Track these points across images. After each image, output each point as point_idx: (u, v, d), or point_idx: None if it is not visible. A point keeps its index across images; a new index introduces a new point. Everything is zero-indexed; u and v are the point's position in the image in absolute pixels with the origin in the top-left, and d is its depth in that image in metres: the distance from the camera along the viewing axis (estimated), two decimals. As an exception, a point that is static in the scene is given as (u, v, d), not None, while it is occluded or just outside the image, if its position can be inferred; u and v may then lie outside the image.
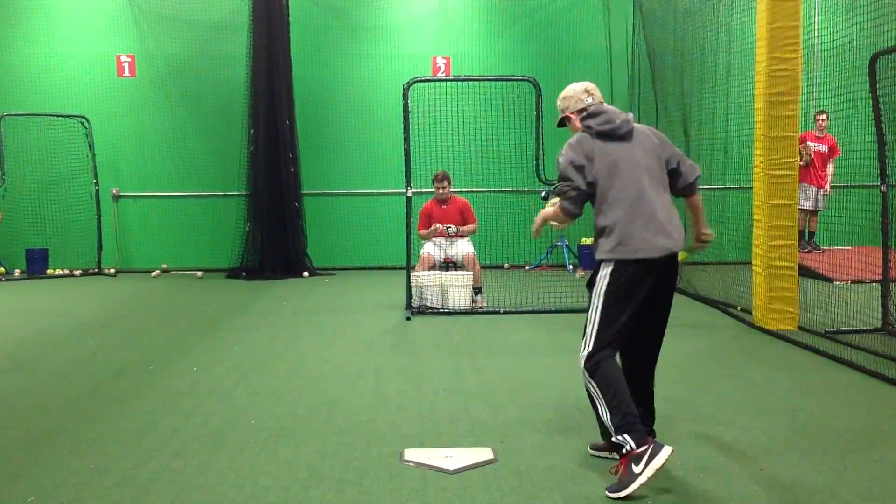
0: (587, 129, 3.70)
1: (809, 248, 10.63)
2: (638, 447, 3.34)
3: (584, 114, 3.73)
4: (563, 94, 3.86)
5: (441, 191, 8.66)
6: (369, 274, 11.69)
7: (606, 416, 3.46)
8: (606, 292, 3.55)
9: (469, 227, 8.74)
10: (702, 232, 3.98)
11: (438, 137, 10.09)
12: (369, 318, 7.96)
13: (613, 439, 3.44)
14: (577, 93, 3.80)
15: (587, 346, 3.56)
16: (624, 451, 3.37)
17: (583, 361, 3.56)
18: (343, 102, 12.23)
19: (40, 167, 12.02)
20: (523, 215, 11.36)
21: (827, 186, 10.76)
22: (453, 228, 8.60)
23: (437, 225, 8.61)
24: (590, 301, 3.63)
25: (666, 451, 3.33)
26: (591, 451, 3.87)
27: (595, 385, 3.51)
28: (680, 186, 3.79)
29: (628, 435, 3.38)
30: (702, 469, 3.68)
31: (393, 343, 6.76)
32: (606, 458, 3.77)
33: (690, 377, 5.43)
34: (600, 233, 3.61)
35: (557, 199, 3.76)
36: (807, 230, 10.86)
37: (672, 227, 3.60)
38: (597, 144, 3.62)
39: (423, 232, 8.71)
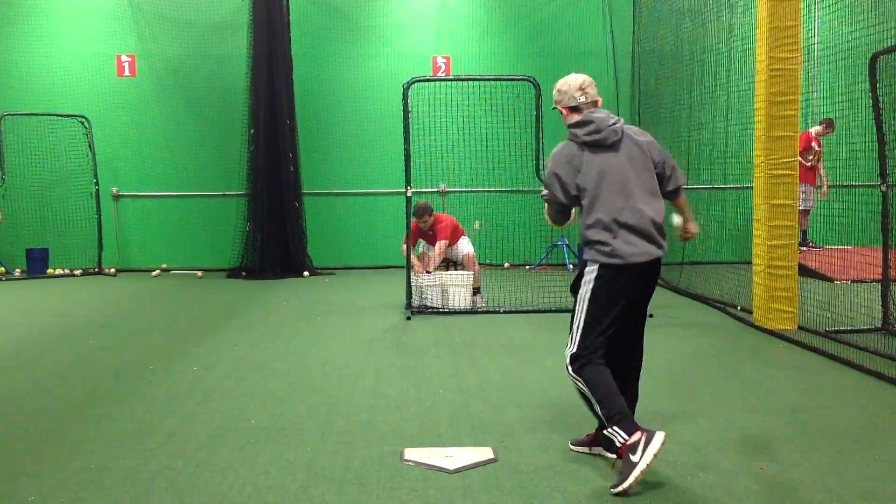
0: (573, 137, 3.71)
1: (809, 247, 10.61)
2: (629, 436, 3.38)
3: (574, 121, 3.73)
4: (559, 85, 3.84)
5: (423, 225, 8.34)
6: (369, 274, 11.68)
7: (598, 410, 3.58)
8: (592, 297, 3.65)
9: (438, 248, 8.33)
10: (687, 227, 4.01)
11: (438, 137, 10.09)
12: (369, 317, 7.96)
13: (606, 432, 3.52)
14: (572, 89, 3.77)
15: (572, 347, 3.69)
16: (617, 443, 3.42)
17: (568, 361, 3.69)
18: (343, 102, 12.23)
19: (40, 167, 12.02)
20: (523, 215, 11.39)
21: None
22: (436, 264, 8.37)
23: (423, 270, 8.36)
24: (575, 304, 3.74)
25: (660, 436, 3.38)
26: (572, 447, 3.95)
27: (583, 382, 3.64)
28: (667, 189, 3.83)
29: (618, 427, 3.44)
30: (702, 469, 3.68)
31: (393, 343, 6.76)
32: (587, 453, 3.87)
33: (690, 377, 5.43)
34: (587, 239, 3.67)
35: None
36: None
37: (659, 233, 3.68)
38: (584, 154, 3.66)
39: (406, 251, 8.27)
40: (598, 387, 3.58)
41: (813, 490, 3.44)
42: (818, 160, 10.60)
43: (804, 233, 10.96)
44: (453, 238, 8.54)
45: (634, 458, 3.32)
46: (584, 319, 3.66)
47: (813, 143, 10.56)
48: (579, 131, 3.68)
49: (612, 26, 12.17)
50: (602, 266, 3.62)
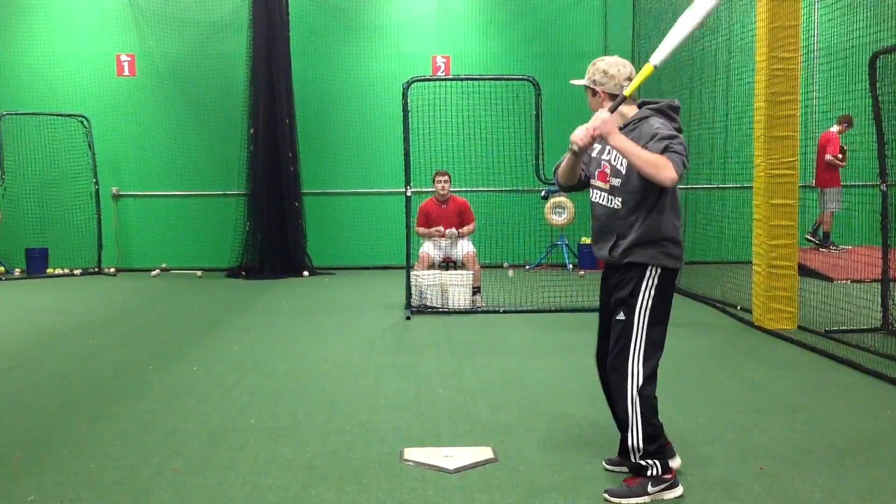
0: (671, 119, 3.33)
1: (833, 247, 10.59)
2: (665, 473, 3.37)
3: (673, 106, 3.37)
4: (604, 66, 3.39)
5: (441, 185, 8.61)
6: (369, 274, 11.68)
7: (639, 441, 3.32)
8: (653, 308, 3.31)
9: (468, 227, 8.72)
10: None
11: (438, 137, 10.10)
12: (369, 317, 7.96)
13: (639, 461, 3.36)
14: (621, 76, 3.37)
15: (637, 373, 3.30)
16: (648, 473, 3.35)
17: (638, 390, 3.29)
18: (343, 102, 12.22)
19: (40, 166, 12.02)
20: (523, 215, 11.40)
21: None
22: (454, 231, 8.57)
23: (439, 228, 8.58)
24: (626, 320, 3.32)
25: (679, 489, 3.39)
26: (607, 466, 3.69)
27: (644, 411, 3.33)
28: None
29: (659, 461, 3.35)
30: (701, 468, 3.68)
31: (393, 342, 6.76)
32: (622, 472, 3.60)
33: (690, 377, 5.43)
34: (660, 236, 3.30)
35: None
36: (820, 229, 10.96)
37: None
38: None
39: (421, 230, 8.69)
40: (655, 411, 3.35)
41: (813, 490, 3.44)
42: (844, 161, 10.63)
43: (827, 234, 10.96)
44: (461, 214, 8.74)
45: (650, 489, 3.33)
46: (646, 338, 3.29)
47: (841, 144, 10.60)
48: (678, 116, 3.36)
49: (611, 26, 12.15)
50: (664, 270, 3.30)
